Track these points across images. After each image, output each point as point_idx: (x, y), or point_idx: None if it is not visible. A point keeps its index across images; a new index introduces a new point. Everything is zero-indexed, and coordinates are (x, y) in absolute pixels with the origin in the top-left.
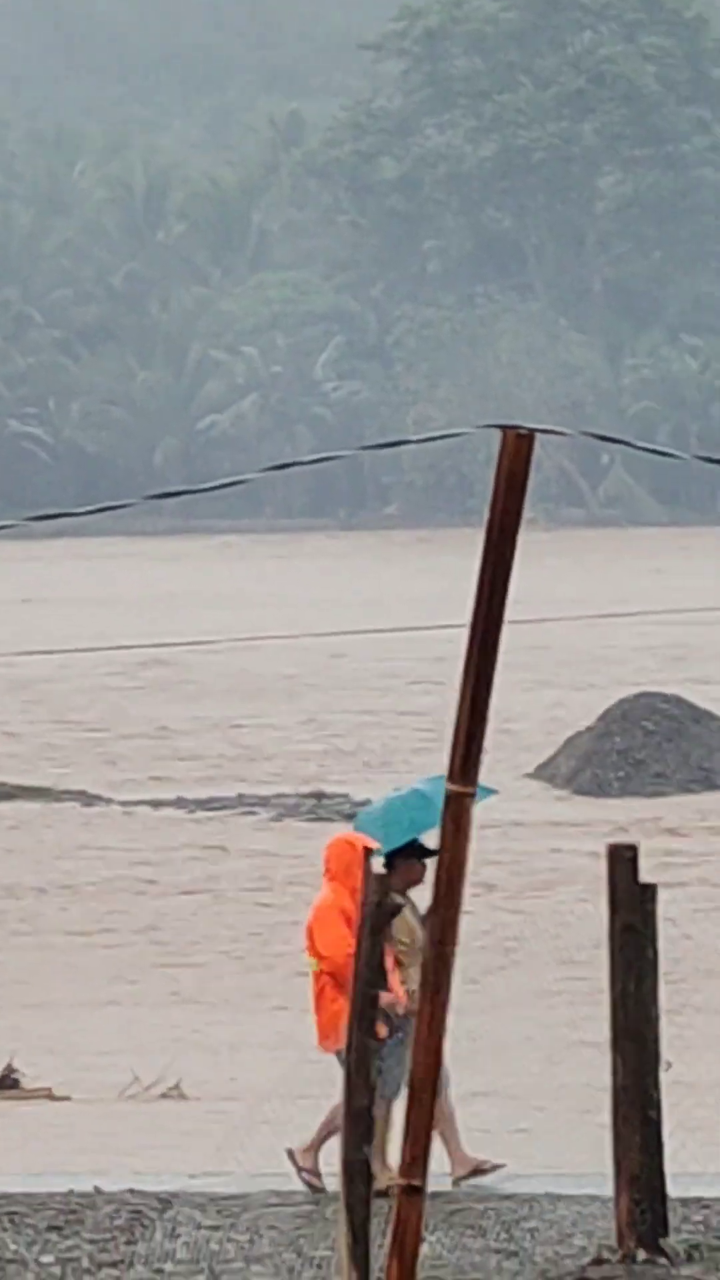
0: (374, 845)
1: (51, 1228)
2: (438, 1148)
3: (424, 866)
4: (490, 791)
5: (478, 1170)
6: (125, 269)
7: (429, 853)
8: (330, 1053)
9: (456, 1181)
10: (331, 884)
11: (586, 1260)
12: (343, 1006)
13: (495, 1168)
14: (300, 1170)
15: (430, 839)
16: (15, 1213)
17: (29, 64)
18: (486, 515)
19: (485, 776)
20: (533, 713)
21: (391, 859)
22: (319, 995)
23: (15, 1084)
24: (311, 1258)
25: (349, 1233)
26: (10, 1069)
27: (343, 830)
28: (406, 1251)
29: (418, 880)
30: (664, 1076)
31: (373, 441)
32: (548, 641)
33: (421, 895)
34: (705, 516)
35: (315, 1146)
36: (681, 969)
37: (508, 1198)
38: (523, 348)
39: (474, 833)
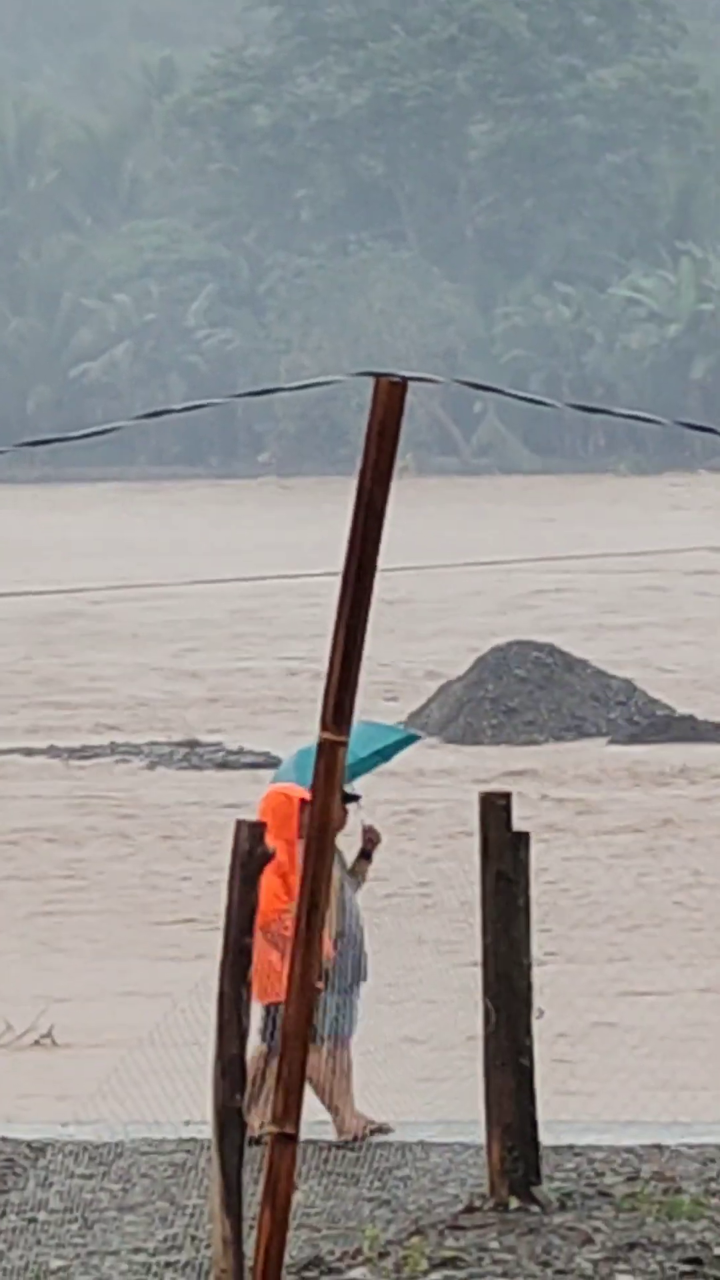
0: (307, 796)
1: None
2: (311, 1097)
3: (344, 811)
4: (414, 737)
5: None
6: None
7: (349, 797)
8: (264, 1004)
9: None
10: (270, 837)
11: (459, 1208)
12: (275, 960)
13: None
14: (364, 1132)
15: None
16: None
17: None
18: (359, 463)
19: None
20: (405, 661)
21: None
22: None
23: None
24: (184, 1206)
25: (222, 1181)
26: None
27: (216, 777)
28: (279, 1200)
29: (338, 826)
30: (536, 1024)
31: (245, 389)
32: (420, 590)
33: (347, 843)
34: (577, 464)
35: (345, 1106)
36: (553, 918)
37: (380, 1146)
38: (395, 296)
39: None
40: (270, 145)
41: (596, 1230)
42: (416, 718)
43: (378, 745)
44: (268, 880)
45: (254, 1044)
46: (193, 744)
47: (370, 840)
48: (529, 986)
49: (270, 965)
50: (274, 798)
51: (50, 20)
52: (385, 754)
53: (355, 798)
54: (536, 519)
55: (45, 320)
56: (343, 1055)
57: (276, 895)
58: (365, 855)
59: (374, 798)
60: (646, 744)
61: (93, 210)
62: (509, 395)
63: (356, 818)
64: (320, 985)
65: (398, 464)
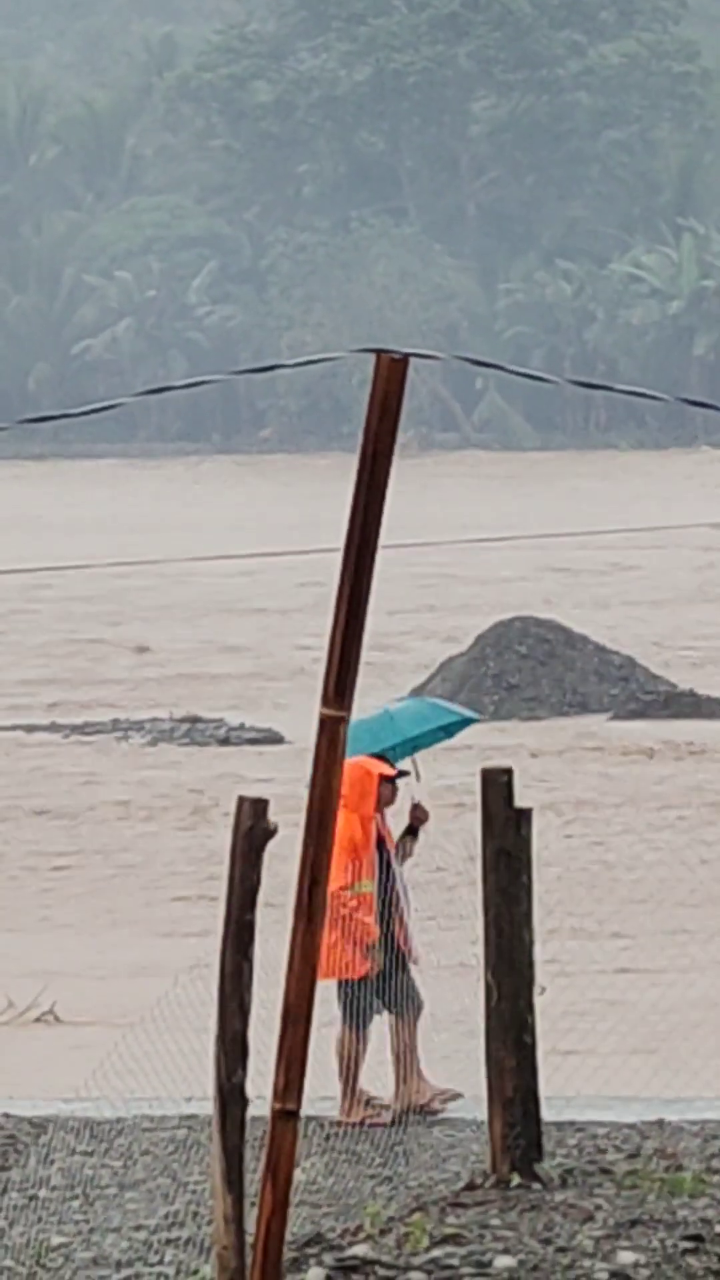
0: (390, 771)
1: None
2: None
3: (393, 787)
4: (472, 719)
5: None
6: None
7: (400, 774)
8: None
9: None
10: (344, 810)
11: (460, 1185)
12: (337, 937)
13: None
14: (431, 1107)
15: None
16: None
17: None
18: (360, 440)
19: (359, 701)
20: (407, 637)
21: None
22: None
23: None
24: (186, 1183)
25: (223, 1158)
26: None
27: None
28: (280, 1177)
29: (387, 802)
30: (538, 1001)
31: (247, 366)
32: (422, 566)
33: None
34: (578, 441)
35: (414, 1078)
36: (554, 894)
37: (444, 1101)
38: (396, 272)
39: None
40: (272, 121)
41: (598, 1207)
42: (419, 693)
43: (436, 724)
44: (336, 855)
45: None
46: (194, 720)
47: (418, 817)
48: (531, 963)
49: (334, 943)
50: (354, 770)
51: None
52: (449, 731)
53: (403, 774)
54: (537, 495)
55: (47, 297)
56: (414, 1030)
57: (340, 870)
58: (412, 832)
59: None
60: (648, 719)
61: (94, 187)
62: (510, 371)
63: (405, 794)
64: (367, 967)
65: (399, 440)
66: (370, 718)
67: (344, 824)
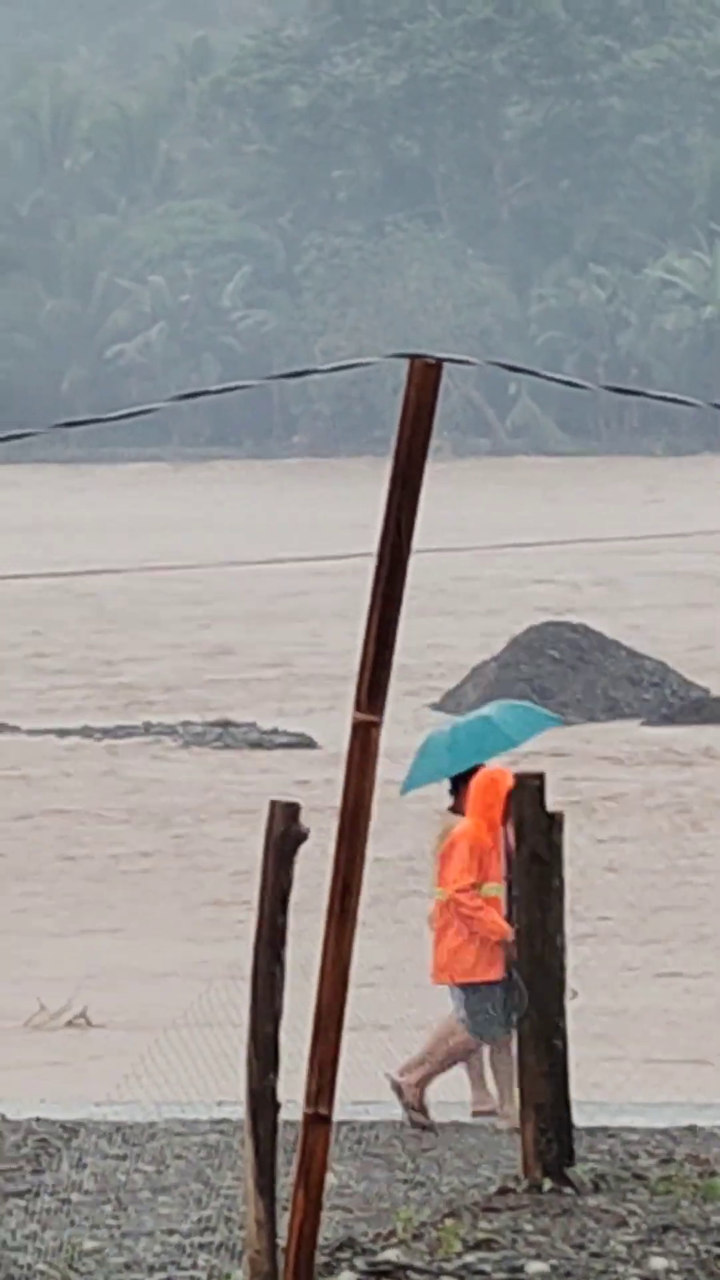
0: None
1: None
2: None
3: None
4: (553, 720)
5: (493, 1111)
6: (31, 196)
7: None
8: (442, 984)
9: (476, 1114)
10: (471, 815)
11: (493, 1190)
12: (463, 941)
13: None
14: (408, 1107)
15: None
16: None
17: None
18: (394, 444)
19: (391, 706)
20: (439, 642)
21: (457, 783)
22: (443, 927)
23: None
24: (218, 1188)
25: (255, 1162)
26: None
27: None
28: (312, 1181)
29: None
30: (569, 1005)
31: (280, 371)
32: (454, 571)
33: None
34: (611, 446)
35: (423, 1083)
36: (585, 899)
37: (413, 1127)
38: (430, 277)
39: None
40: (306, 126)
41: (631, 1213)
42: (451, 698)
43: (535, 728)
44: (462, 860)
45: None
46: (226, 724)
47: None
48: (562, 967)
49: (459, 946)
50: (483, 778)
51: (85, 1)
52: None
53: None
54: (569, 500)
55: (80, 301)
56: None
57: (466, 872)
58: None
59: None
60: (680, 725)
61: (127, 191)
62: (543, 377)
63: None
64: (498, 969)
65: (432, 445)
66: (468, 723)
67: (471, 828)
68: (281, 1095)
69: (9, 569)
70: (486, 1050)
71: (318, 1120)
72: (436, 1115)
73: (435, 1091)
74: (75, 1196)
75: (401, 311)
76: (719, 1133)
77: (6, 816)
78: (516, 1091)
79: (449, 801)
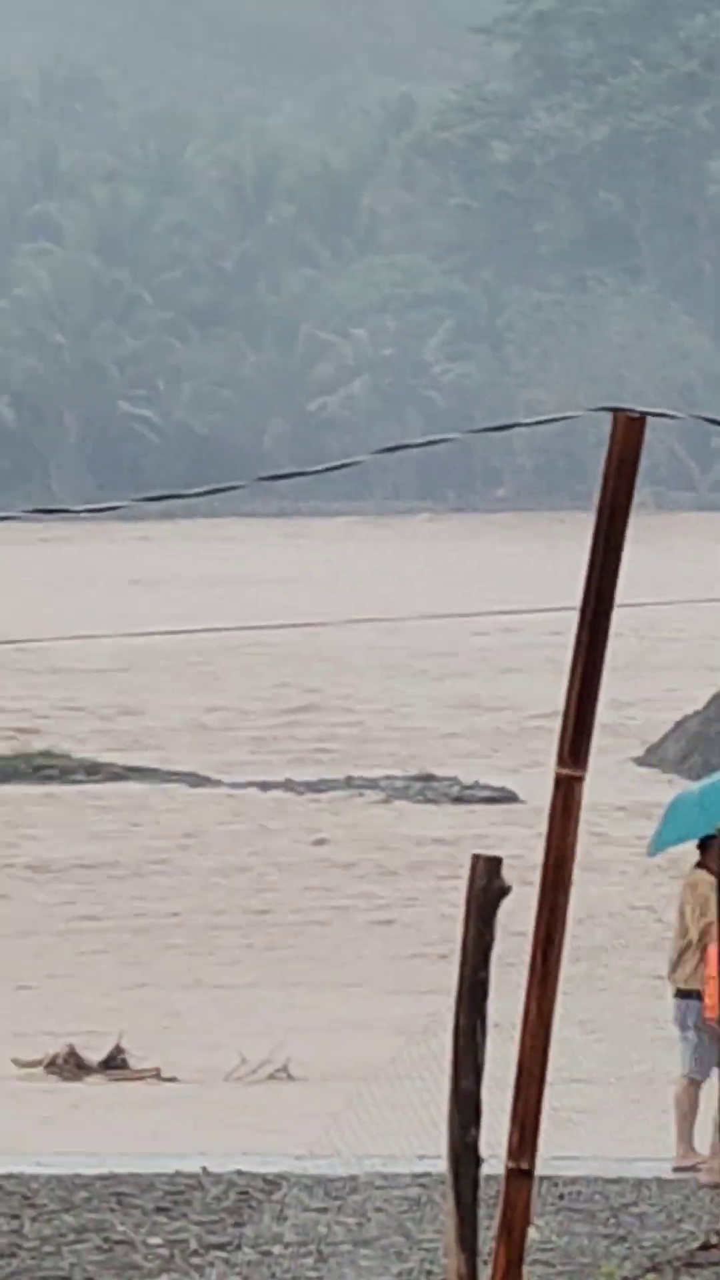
0: None
1: (159, 1209)
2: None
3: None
4: None
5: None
6: (235, 250)
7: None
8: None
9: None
10: None
11: (694, 1245)
12: None
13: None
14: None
15: None
16: (123, 1194)
17: (141, 45)
18: (597, 498)
19: (593, 761)
20: (642, 697)
21: (708, 841)
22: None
23: (123, 1064)
24: (419, 1241)
25: (457, 1216)
26: (118, 1049)
27: (451, 811)
28: (514, 1235)
29: None
30: None
31: (482, 424)
32: (658, 625)
33: None
34: None
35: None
36: None
37: (615, 1182)
38: (633, 331)
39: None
40: (508, 180)
41: None
42: (654, 752)
43: None
44: None
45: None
46: (428, 778)
47: None
48: None
49: None
50: None
51: (289, 56)
52: None
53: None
54: None
55: (283, 354)
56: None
57: None
58: None
59: (614, 833)
60: None
61: (330, 245)
62: None
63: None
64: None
65: (635, 499)
66: (715, 784)
67: None
68: (483, 1149)
69: (213, 622)
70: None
71: (520, 1175)
72: (638, 1171)
73: (635, 1147)
74: (276, 1249)
75: (604, 365)
76: None
77: (206, 870)
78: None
79: (646, 860)
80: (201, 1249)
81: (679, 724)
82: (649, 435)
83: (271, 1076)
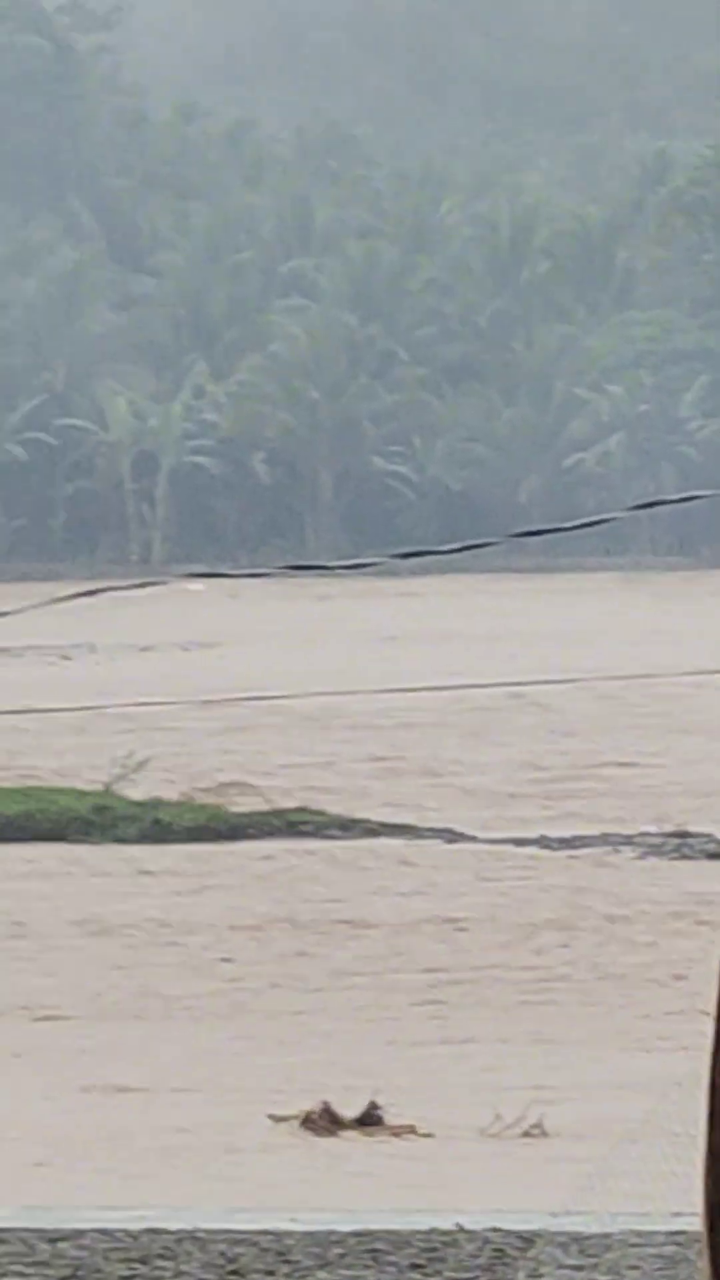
0: None
1: (414, 1265)
2: None
3: None
4: None
5: None
6: (490, 307)
7: None
8: None
9: None
10: None
11: None
12: None
13: None
14: None
15: None
16: (378, 1250)
17: (396, 103)
18: None
19: None
20: None
21: None
22: None
23: (378, 1121)
24: None
25: (713, 1275)
26: (373, 1106)
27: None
28: None
29: None
30: None
31: None
32: None
33: None
34: None
35: None
36: None
37: None
38: None
39: None
40: None
41: None
42: None
43: None
44: None
45: None
46: (684, 834)
47: None
48: None
49: None
50: None
51: (545, 113)
52: None
53: None
54: None
55: (538, 410)
56: None
57: None
58: None
59: None
60: None
61: (585, 300)
62: None
63: None
64: None
65: None
66: None
67: None
68: None
69: (468, 678)
70: None
71: None
72: None
73: None
74: None
75: None
76: None
77: (454, 926)
78: None
79: None
80: None
81: None
82: None
83: (526, 1133)
